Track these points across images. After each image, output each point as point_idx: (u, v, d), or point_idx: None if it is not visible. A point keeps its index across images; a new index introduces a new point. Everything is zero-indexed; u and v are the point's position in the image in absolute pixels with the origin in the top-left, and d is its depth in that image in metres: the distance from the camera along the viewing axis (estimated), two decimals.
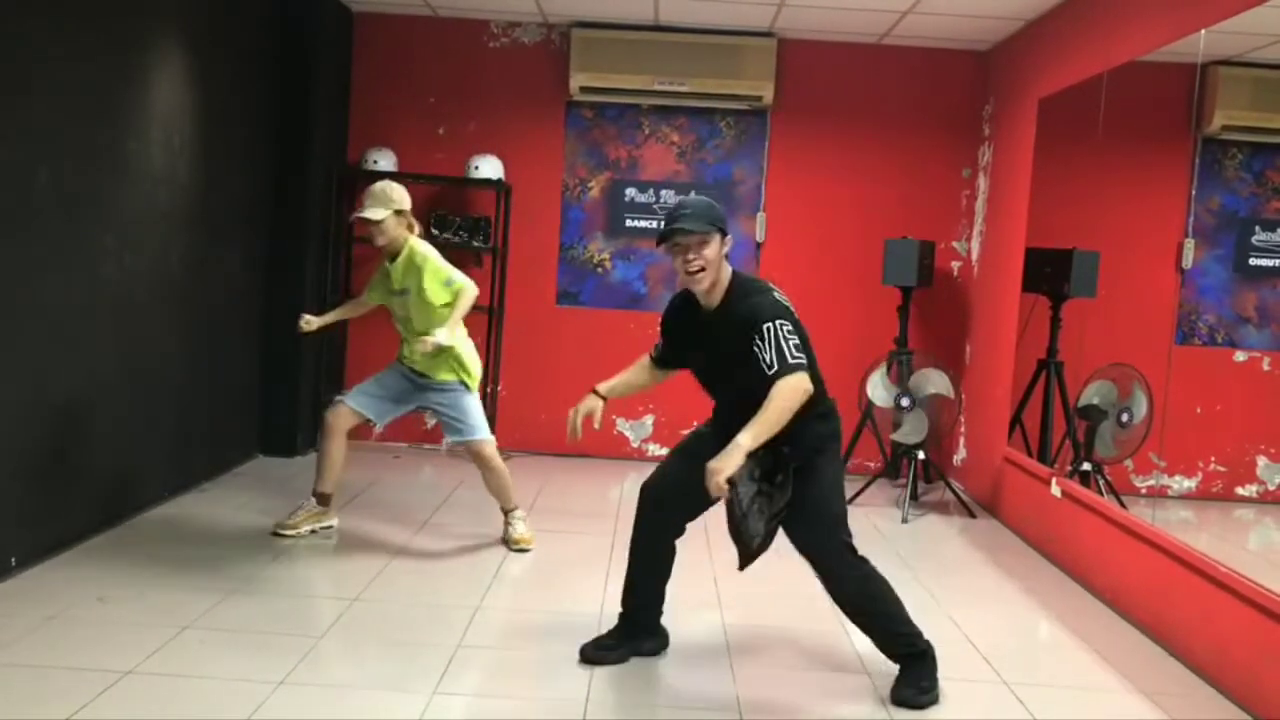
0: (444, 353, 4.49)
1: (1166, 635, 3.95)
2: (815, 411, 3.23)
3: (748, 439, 2.98)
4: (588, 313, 6.85)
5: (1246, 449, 4.81)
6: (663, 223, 3.26)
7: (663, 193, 6.79)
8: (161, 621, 3.54)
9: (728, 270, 3.29)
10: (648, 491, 3.51)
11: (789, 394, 3.03)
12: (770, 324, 3.08)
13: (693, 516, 3.50)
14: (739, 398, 3.16)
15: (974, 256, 6.69)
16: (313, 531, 4.69)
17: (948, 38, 6.41)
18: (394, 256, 4.52)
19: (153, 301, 4.82)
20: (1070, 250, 5.15)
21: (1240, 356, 4.85)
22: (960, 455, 6.61)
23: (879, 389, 5.89)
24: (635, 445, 6.91)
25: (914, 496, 5.90)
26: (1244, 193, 4.77)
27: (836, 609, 4.14)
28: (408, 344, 4.59)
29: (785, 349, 3.06)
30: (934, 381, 5.81)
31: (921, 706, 3.28)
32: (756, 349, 3.07)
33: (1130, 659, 3.84)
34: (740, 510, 3.07)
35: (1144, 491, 4.78)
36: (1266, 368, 4.86)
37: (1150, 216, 4.96)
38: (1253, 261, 4.77)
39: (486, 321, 6.63)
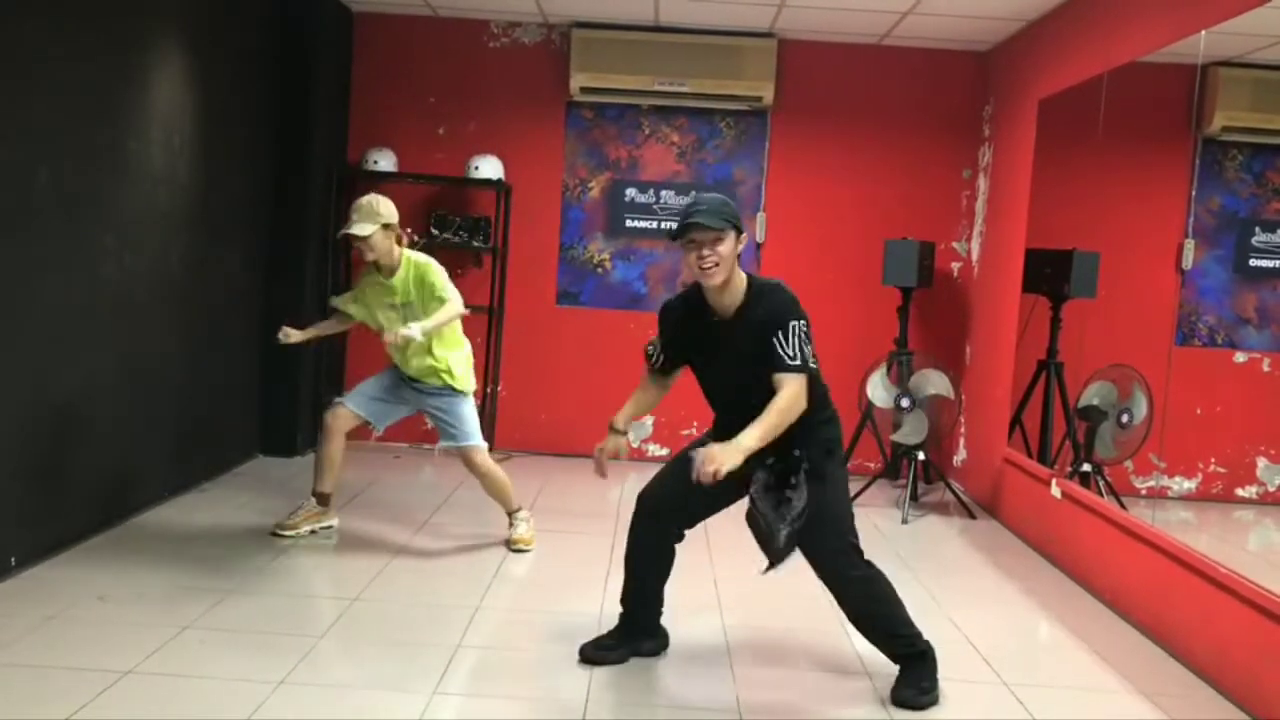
0: (433, 360, 4.48)
1: (1166, 636, 3.95)
2: (821, 416, 3.24)
3: (751, 440, 3.00)
4: (588, 313, 6.86)
5: (1246, 450, 4.81)
6: (678, 219, 3.23)
7: (663, 193, 6.79)
8: (161, 621, 3.54)
9: (740, 272, 3.28)
10: (644, 502, 3.50)
11: (792, 399, 3.07)
12: (796, 322, 3.13)
13: (692, 524, 3.51)
14: (743, 403, 3.17)
15: (974, 257, 6.69)
16: (312, 532, 4.69)
17: (948, 38, 6.41)
18: (388, 272, 4.47)
19: (153, 301, 4.81)
20: (1070, 251, 5.15)
21: (1240, 357, 4.85)
22: (960, 456, 6.61)
23: (879, 389, 5.89)
24: (635, 445, 6.91)
25: (914, 497, 5.90)
26: (1244, 194, 4.77)
27: (837, 610, 4.14)
28: (399, 353, 4.55)
29: (805, 350, 3.12)
30: (934, 382, 5.81)
31: (922, 707, 3.28)
32: (777, 342, 3.09)
33: (1130, 660, 3.84)
34: (766, 524, 3.13)
35: (1144, 492, 4.78)
36: (1266, 369, 4.86)
37: (1150, 217, 4.96)
38: (1253, 262, 4.77)
39: (486, 321, 6.63)
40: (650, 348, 3.59)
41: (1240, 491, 4.83)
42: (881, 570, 3.36)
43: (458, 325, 4.58)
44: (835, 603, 3.39)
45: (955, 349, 6.72)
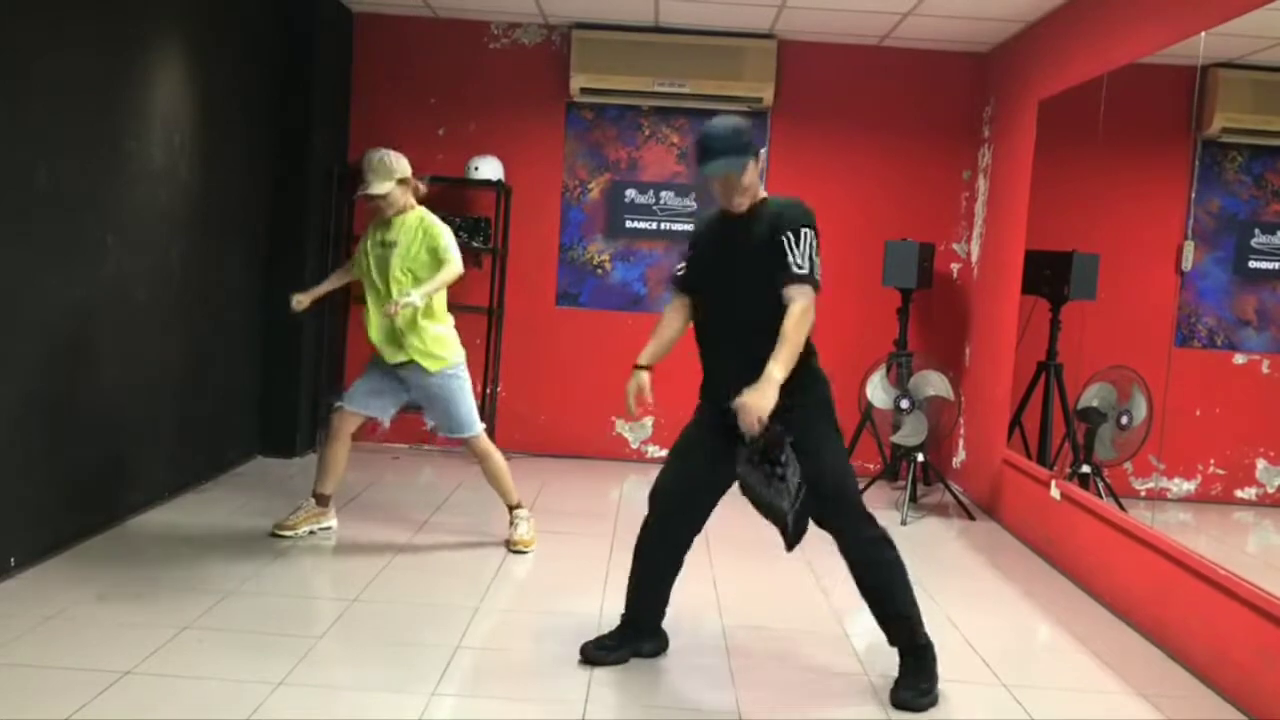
0: (416, 338, 4.41)
1: (1166, 638, 3.95)
2: (812, 370, 3.26)
3: (778, 369, 3.01)
4: (587, 314, 6.86)
5: (1246, 452, 4.81)
6: (699, 153, 3.22)
7: (662, 194, 6.79)
8: (161, 622, 3.53)
9: (760, 189, 3.33)
10: (657, 500, 3.49)
11: (802, 313, 3.10)
12: (807, 229, 3.18)
13: (704, 518, 3.50)
14: (742, 333, 3.17)
15: (974, 258, 6.69)
16: (311, 532, 4.68)
17: (948, 40, 6.41)
18: (394, 214, 4.49)
19: (152, 301, 4.81)
20: (1070, 252, 5.15)
21: (1240, 359, 4.85)
22: (959, 457, 6.61)
23: (878, 391, 5.89)
24: (635, 447, 6.91)
25: (913, 499, 5.90)
26: (1244, 195, 4.78)
27: (837, 610, 4.14)
28: (374, 327, 4.48)
29: (814, 260, 3.16)
30: (933, 383, 5.81)
31: (921, 709, 3.28)
32: (786, 243, 3.12)
33: (1129, 661, 3.84)
34: (763, 496, 3.14)
35: (1143, 494, 4.78)
36: (1266, 370, 4.86)
37: (1150, 219, 4.96)
38: (1252, 264, 4.77)
39: (486, 322, 6.63)
40: (676, 269, 3.58)
41: (1239, 493, 4.83)
42: (890, 537, 3.35)
43: (443, 298, 4.54)
44: (850, 577, 3.36)
45: (955, 350, 6.72)
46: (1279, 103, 4.59)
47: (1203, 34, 4.04)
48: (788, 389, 3.09)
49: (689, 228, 6.77)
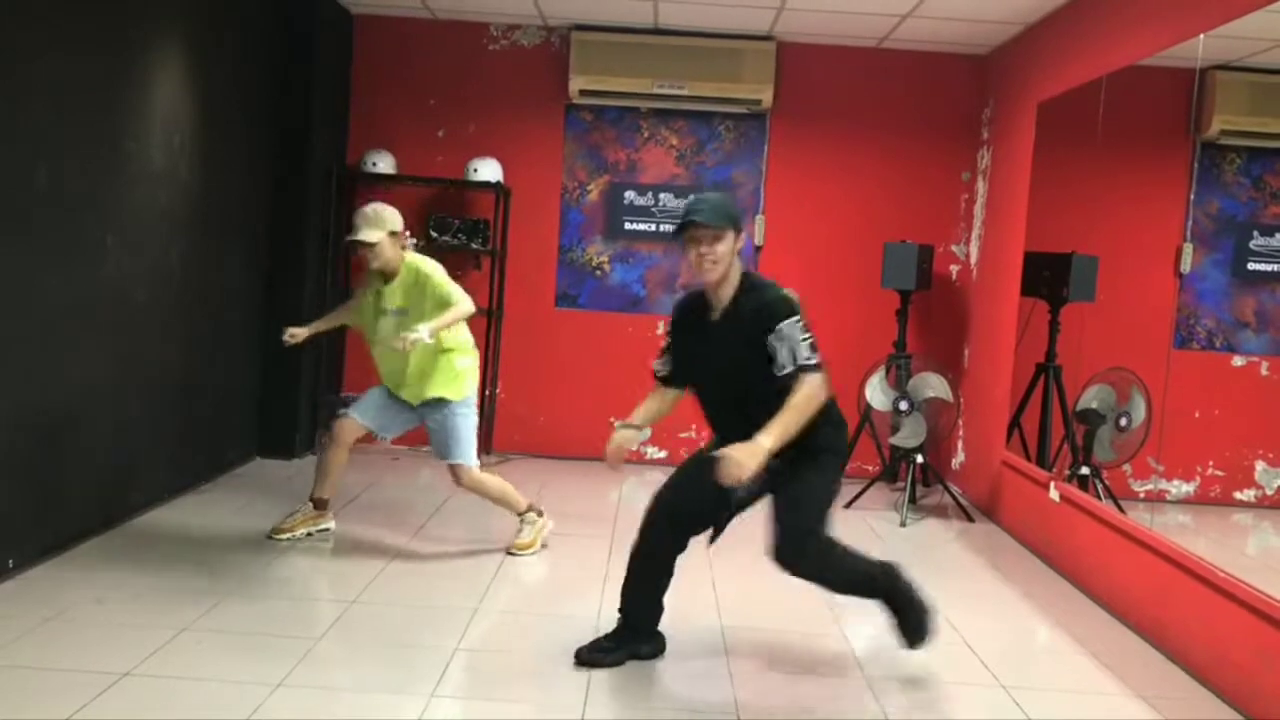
0: (435, 370, 4.46)
1: (1165, 639, 3.95)
2: (828, 418, 3.26)
3: (770, 440, 3.03)
4: (586, 315, 6.86)
5: (1245, 453, 4.81)
6: (678, 219, 3.28)
7: (661, 196, 6.79)
8: (160, 623, 3.53)
9: (738, 267, 3.33)
10: (661, 506, 3.50)
11: (809, 396, 3.09)
12: (785, 322, 3.15)
13: (703, 530, 3.52)
14: (740, 411, 3.20)
15: (973, 260, 6.70)
16: (309, 534, 4.68)
17: (947, 41, 6.42)
18: (388, 278, 4.48)
19: (152, 301, 4.81)
20: (1069, 254, 5.16)
21: (1239, 361, 4.85)
22: (959, 459, 6.61)
23: (877, 392, 5.89)
24: (634, 448, 6.90)
25: (912, 500, 5.90)
26: (1242, 197, 4.78)
27: (835, 611, 4.14)
28: (389, 368, 4.53)
29: (799, 349, 3.13)
30: (932, 385, 5.81)
31: (914, 646, 3.40)
32: (772, 347, 3.11)
33: (1128, 663, 3.84)
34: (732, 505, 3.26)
35: (1142, 496, 4.78)
36: (1265, 372, 4.86)
37: (1149, 221, 4.96)
38: (1251, 266, 4.77)
39: (485, 323, 6.63)
40: (657, 362, 3.61)
41: (1238, 495, 4.83)
42: (835, 543, 3.36)
43: (464, 329, 4.57)
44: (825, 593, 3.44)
45: (954, 352, 6.72)
46: (1277, 105, 4.59)
47: (1201, 36, 4.05)
48: (800, 440, 3.14)
49: None
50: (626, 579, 3.57)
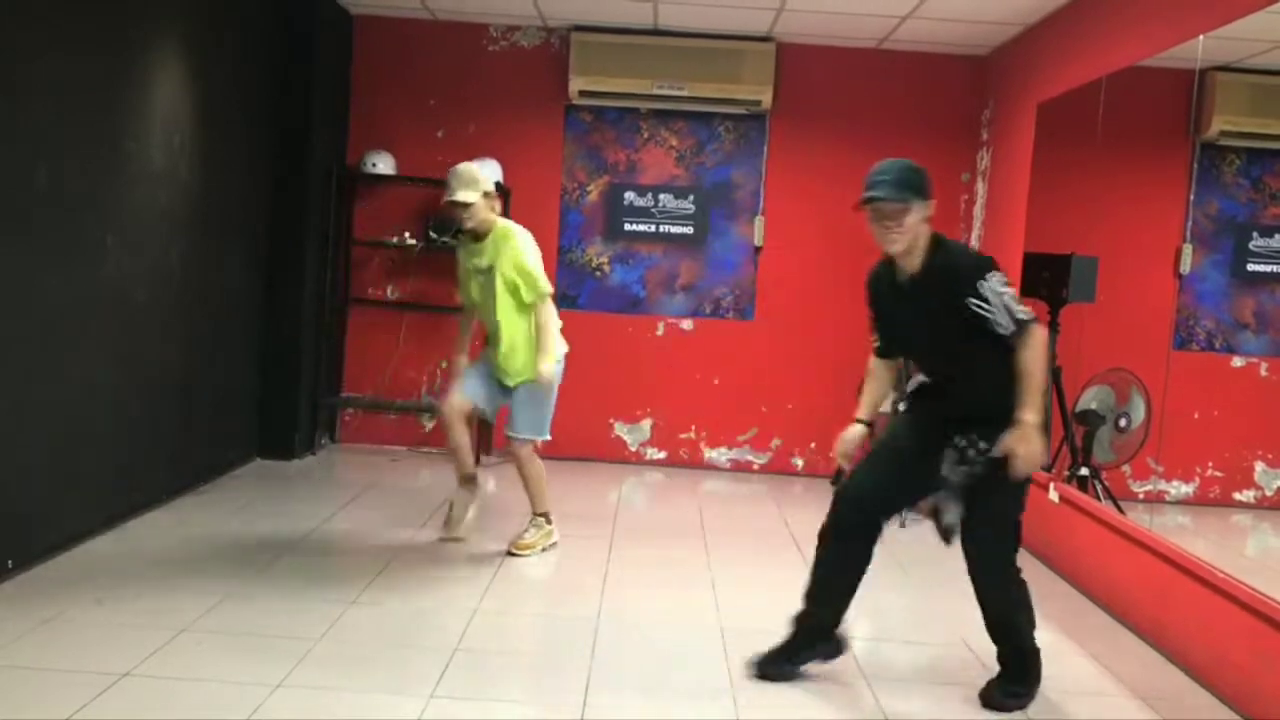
0: (522, 358, 4.53)
1: (1164, 640, 3.95)
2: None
3: (1032, 415, 3.00)
4: (586, 316, 6.85)
5: (1244, 454, 4.81)
6: (865, 186, 3.24)
7: (661, 196, 6.80)
8: (159, 624, 3.53)
9: (927, 232, 3.24)
10: (851, 503, 3.39)
11: (1037, 353, 3.04)
12: (983, 282, 3.08)
13: (890, 518, 3.44)
14: (953, 368, 3.19)
15: None
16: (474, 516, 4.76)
17: (946, 42, 6.42)
18: (480, 237, 4.53)
19: (152, 301, 4.81)
20: (1069, 255, 5.15)
21: (1238, 362, 4.86)
22: None
23: None
24: (633, 449, 6.92)
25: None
26: (1242, 198, 4.78)
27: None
28: (491, 348, 4.60)
29: (1012, 307, 3.07)
30: None
31: (1007, 709, 3.30)
32: (980, 314, 3.05)
33: (1128, 664, 3.84)
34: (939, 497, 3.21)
35: (1142, 496, 4.79)
36: (1264, 373, 4.86)
37: (1148, 222, 4.97)
38: (1250, 267, 4.77)
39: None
40: (874, 336, 3.56)
41: (1238, 496, 4.84)
42: (1023, 577, 3.35)
43: (549, 315, 4.55)
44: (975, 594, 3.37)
45: None
46: (1277, 106, 4.60)
47: (1201, 37, 4.05)
48: (1005, 422, 3.11)
49: (688, 230, 6.79)
50: (816, 580, 3.46)
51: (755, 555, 4.95)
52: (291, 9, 6.11)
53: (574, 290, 6.86)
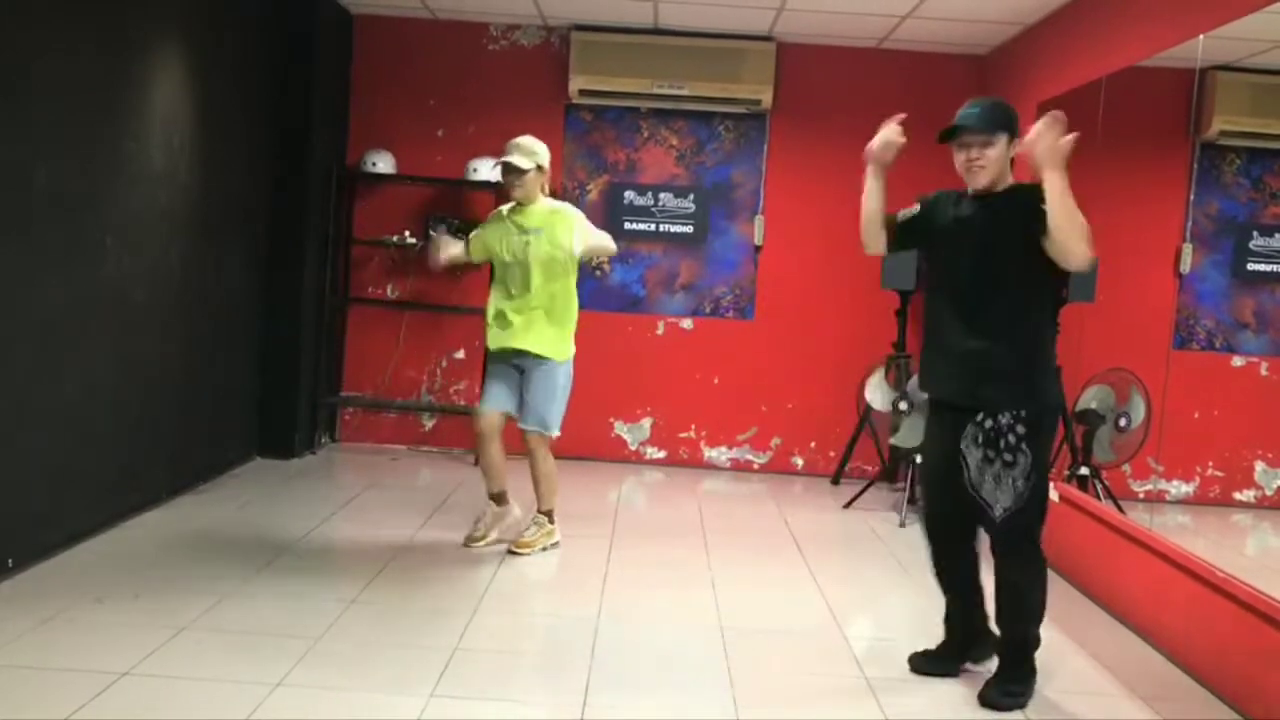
0: (549, 328, 4.59)
1: (1164, 640, 3.95)
2: (1048, 365, 3.28)
3: (1060, 180, 2.96)
4: (586, 315, 6.74)
5: (1244, 454, 4.81)
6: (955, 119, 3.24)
7: (661, 196, 6.79)
8: (159, 623, 3.53)
9: (1009, 174, 3.25)
10: (934, 526, 3.45)
11: (1082, 220, 3.00)
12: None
13: (975, 512, 3.38)
14: (978, 305, 3.17)
15: None
16: (499, 538, 4.74)
17: (946, 42, 6.42)
18: (526, 204, 4.58)
19: (152, 302, 4.81)
20: None
21: (1238, 362, 4.85)
22: None
23: (877, 392, 5.89)
24: (633, 448, 6.92)
25: (912, 500, 5.88)
26: (1242, 198, 4.78)
27: (834, 611, 4.14)
28: (503, 317, 4.59)
29: None
30: None
31: (1005, 708, 3.30)
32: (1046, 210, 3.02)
33: (1127, 663, 3.84)
34: (971, 478, 3.20)
35: (1142, 496, 4.78)
36: (1264, 373, 4.86)
37: (1148, 221, 4.96)
38: (1250, 267, 4.77)
39: (484, 323, 6.62)
40: (901, 212, 3.50)
41: (1238, 495, 4.83)
42: (1045, 562, 3.35)
43: (574, 301, 4.70)
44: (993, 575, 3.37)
45: None
46: (1277, 106, 4.59)
47: (1201, 37, 4.05)
48: (1031, 370, 3.16)
49: (687, 230, 6.78)
50: (946, 597, 3.53)
51: (755, 555, 4.95)
52: (291, 9, 6.11)
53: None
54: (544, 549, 4.72)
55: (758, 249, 6.81)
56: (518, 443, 4.75)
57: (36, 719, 2.83)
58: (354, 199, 6.77)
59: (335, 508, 5.12)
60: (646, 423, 6.91)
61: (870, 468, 6.52)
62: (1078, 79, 5.14)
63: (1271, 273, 4.77)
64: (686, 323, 6.87)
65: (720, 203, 6.81)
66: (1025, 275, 3.17)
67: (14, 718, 2.84)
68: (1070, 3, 5.38)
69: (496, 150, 6.57)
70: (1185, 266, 4.76)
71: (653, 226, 6.80)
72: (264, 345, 6.16)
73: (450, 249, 4.80)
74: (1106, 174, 4.94)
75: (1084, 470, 4.95)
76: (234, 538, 4.61)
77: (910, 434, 5.82)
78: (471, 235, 4.82)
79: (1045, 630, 4.19)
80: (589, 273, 6.85)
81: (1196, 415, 4.82)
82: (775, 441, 6.90)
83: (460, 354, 6.83)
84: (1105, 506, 4.65)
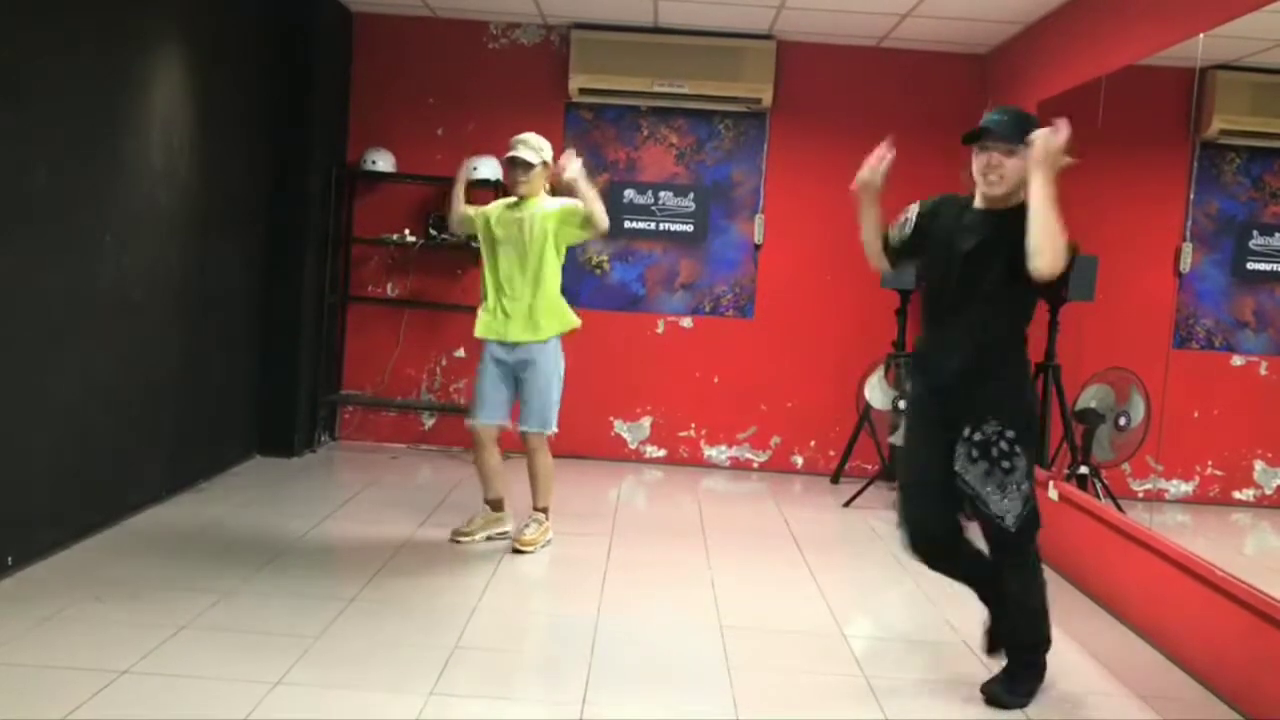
0: (546, 305, 4.56)
1: (1163, 639, 3.95)
2: (1028, 374, 3.26)
3: (1044, 186, 3.01)
4: (586, 314, 6.74)
5: (1244, 453, 4.81)
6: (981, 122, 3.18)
7: (661, 194, 6.79)
8: (158, 621, 3.53)
9: (1024, 191, 3.19)
10: (918, 539, 3.34)
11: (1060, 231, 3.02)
12: None
13: (958, 512, 3.36)
14: (966, 312, 3.15)
15: None
16: (488, 538, 4.73)
17: (947, 40, 6.42)
18: (526, 199, 4.62)
19: (151, 300, 4.81)
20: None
21: (1238, 361, 4.85)
22: None
23: (877, 392, 5.89)
24: (633, 447, 6.91)
25: None
26: (1242, 197, 4.78)
27: (834, 611, 4.14)
28: (498, 307, 4.59)
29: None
30: None
31: (1009, 706, 3.29)
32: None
33: (1127, 663, 3.84)
34: (973, 492, 3.18)
35: (1141, 495, 4.79)
36: (1264, 372, 4.86)
37: (1148, 221, 4.96)
38: (1250, 266, 4.77)
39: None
40: (892, 231, 3.47)
41: (1237, 494, 4.83)
42: (1040, 564, 3.35)
43: (558, 279, 4.65)
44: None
45: None
46: (1277, 105, 4.59)
47: (1201, 36, 4.05)
48: (1015, 380, 3.16)
49: (687, 228, 6.78)
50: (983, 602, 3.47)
51: (755, 554, 4.95)
52: (291, 7, 6.10)
53: (573, 288, 6.83)
54: (544, 546, 4.73)
55: (758, 248, 6.81)
56: (513, 441, 4.76)
57: (36, 718, 2.83)
58: (354, 197, 6.77)
59: (335, 506, 5.12)
60: (646, 421, 6.91)
61: (870, 466, 6.52)
62: (1078, 78, 5.14)
63: (1271, 272, 4.77)
64: (686, 321, 6.87)
65: (720, 201, 6.81)
66: (1013, 290, 3.17)
67: (13, 716, 2.84)
68: (1070, 2, 5.37)
69: (497, 149, 6.59)
70: (1185, 266, 4.76)
71: (653, 225, 6.80)
72: (264, 343, 6.16)
73: (460, 204, 4.84)
74: (1106, 173, 4.94)
75: (1084, 469, 4.95)
76: (234, 536, 4.61)
77: None
78: (471, 211, 4.83)
79: None
80: (589, 271, 6.85)
81: (1196, 414, 4.82)
82: (775, 440, 6.90)
83: (460, 352, 6.83)
84: (1105, 506, 4.65)
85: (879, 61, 6.68)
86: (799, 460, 6.90)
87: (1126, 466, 4.84)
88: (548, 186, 4.69)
